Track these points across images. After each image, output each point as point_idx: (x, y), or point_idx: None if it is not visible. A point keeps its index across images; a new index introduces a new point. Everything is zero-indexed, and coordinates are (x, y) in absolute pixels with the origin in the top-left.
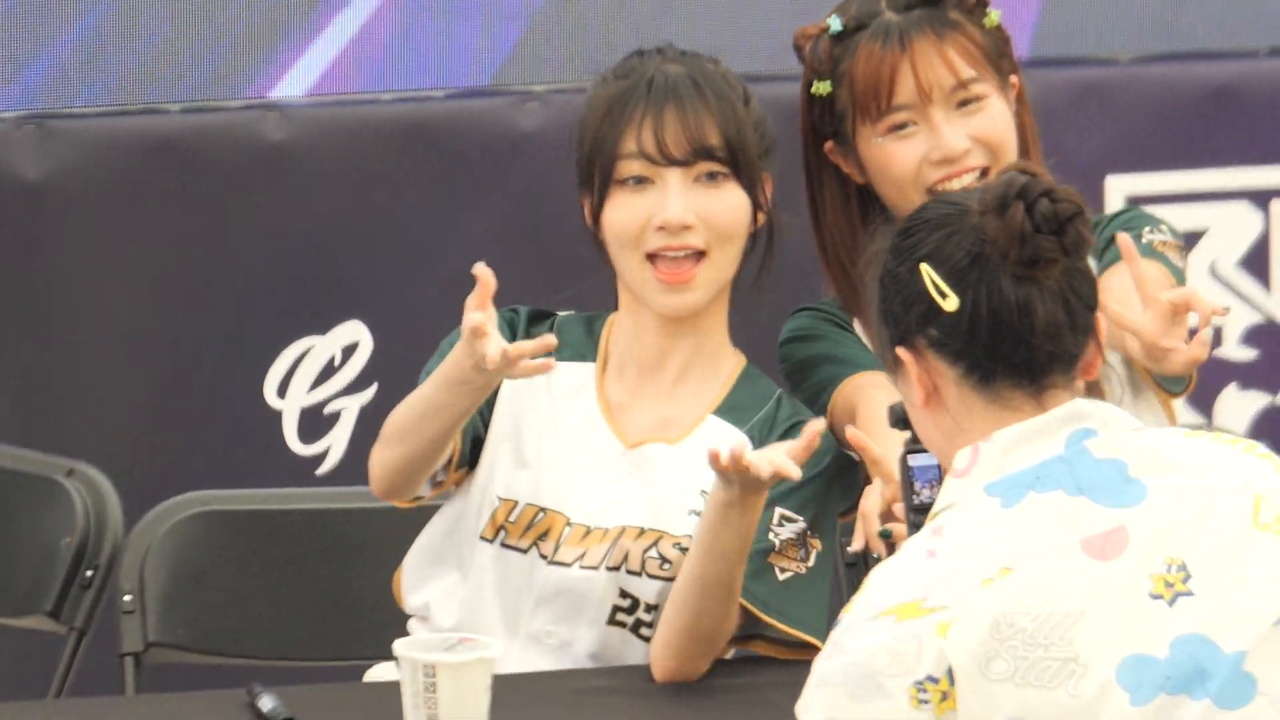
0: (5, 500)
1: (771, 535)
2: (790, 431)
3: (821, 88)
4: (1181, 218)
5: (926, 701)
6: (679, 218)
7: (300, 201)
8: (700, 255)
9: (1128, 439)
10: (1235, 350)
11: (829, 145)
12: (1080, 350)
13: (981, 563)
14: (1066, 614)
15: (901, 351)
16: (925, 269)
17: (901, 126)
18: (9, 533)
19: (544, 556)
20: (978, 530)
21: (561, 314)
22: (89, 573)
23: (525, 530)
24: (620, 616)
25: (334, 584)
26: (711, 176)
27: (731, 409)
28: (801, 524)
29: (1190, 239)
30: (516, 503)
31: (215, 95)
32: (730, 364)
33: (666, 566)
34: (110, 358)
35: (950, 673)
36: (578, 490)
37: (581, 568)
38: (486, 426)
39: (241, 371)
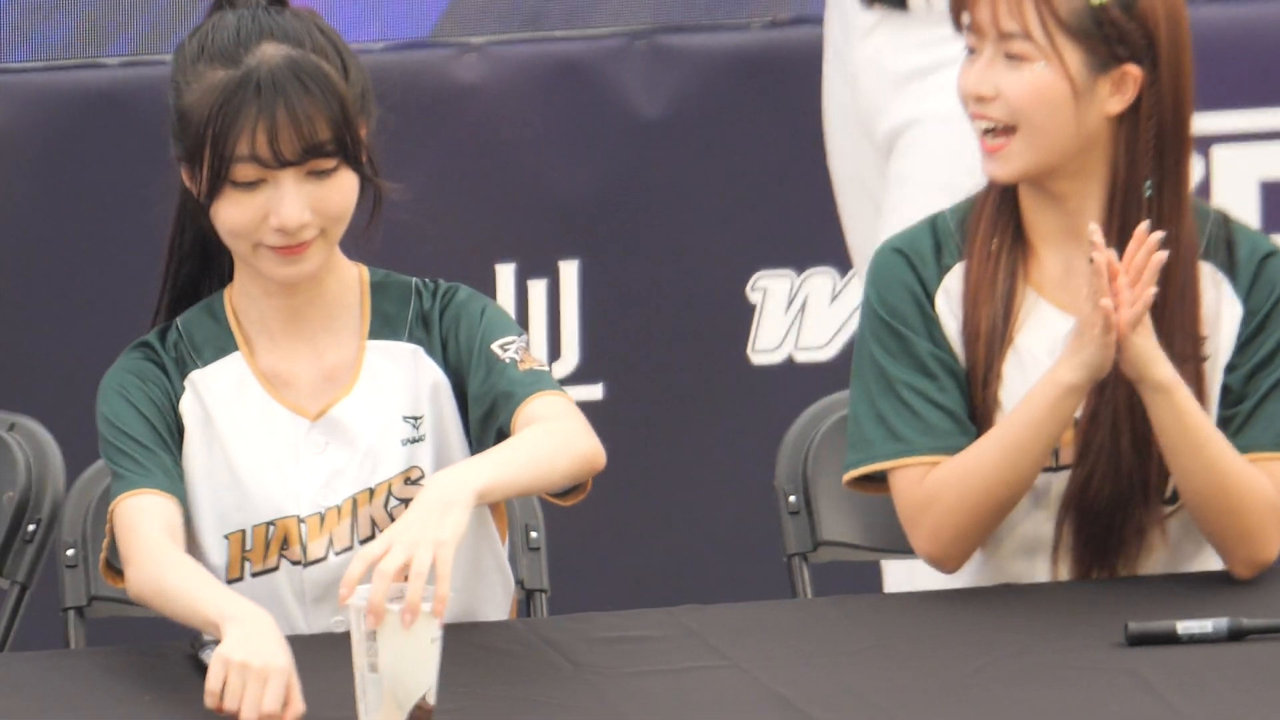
0: None
1: (508, 358)
2: (447, 313)
3: None
4: None
5: None
6: (298, 220)
7: None
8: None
9: None
10: None
11: None
12: None
13: None
14: None
15: None
16: None
17: (969, 44)
18: None
19: (297, 563)
20: None
21: (178, 318)
22: (31, 527)
23: (265, 550)
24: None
25: None
26: (321, 169)
27: (382, 325)
28: (518, 339)
29: None
30: (244, 530)
31: (154, 49)
32: (355, 280)
33: None
34: (51, 311)
35: None
36: (288, 484)
37: (336, 554)
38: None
39: None
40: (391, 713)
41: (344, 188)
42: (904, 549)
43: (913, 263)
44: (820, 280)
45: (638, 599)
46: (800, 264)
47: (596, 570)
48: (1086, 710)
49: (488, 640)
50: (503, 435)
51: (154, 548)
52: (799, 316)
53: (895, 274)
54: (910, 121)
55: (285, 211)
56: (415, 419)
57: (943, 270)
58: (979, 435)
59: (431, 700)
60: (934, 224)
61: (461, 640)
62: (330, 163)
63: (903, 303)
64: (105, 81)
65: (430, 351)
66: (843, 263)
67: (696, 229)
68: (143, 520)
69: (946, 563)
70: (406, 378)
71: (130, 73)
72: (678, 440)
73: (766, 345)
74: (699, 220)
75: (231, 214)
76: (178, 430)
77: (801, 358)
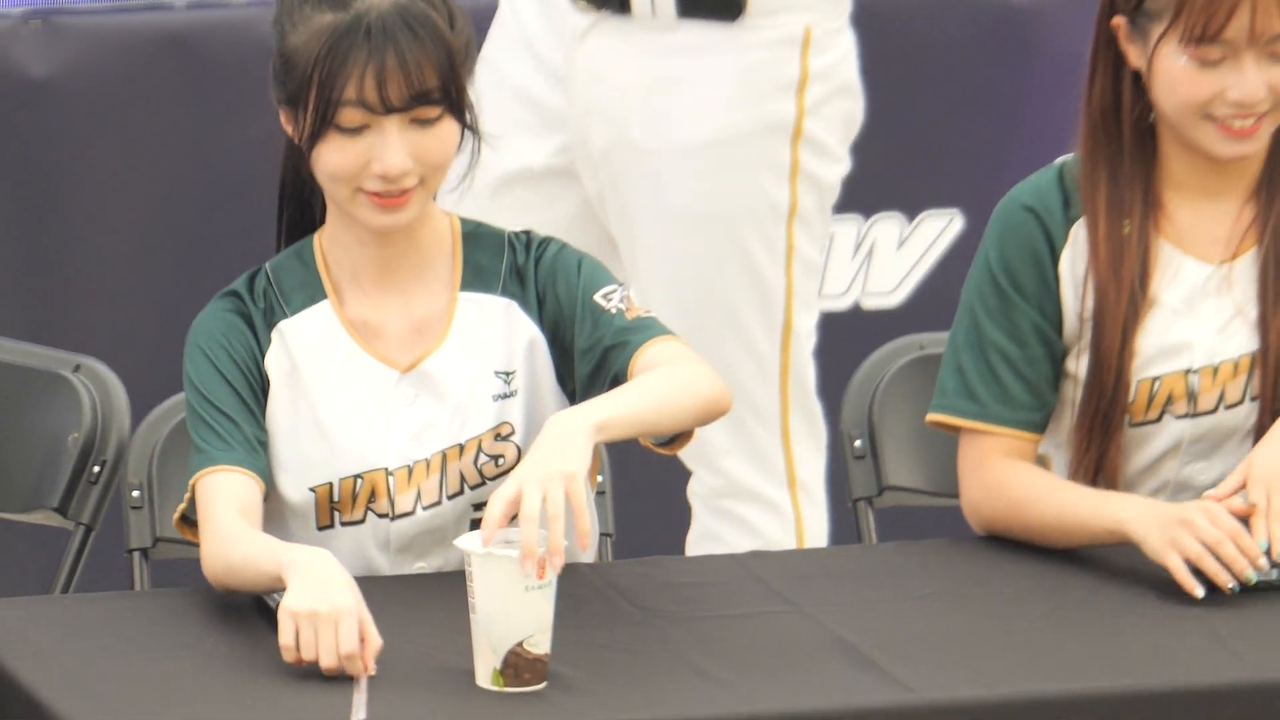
0: (12, 395)
1: (613, 308)
2: (542, 267)
3: None
4: None
5: None
6: (400, 167)
7: None
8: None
9: None
10: None
11: (1118, 21)
12: None
13: None
14: None
15: None
16: None
17: (1211, 56)
18: (15, 428)
19: (384, 515)
20: None
21: (268, 263)
22: (96, 468)
23: (353, 503)
24: None
25: None
26: (425, 117)
27: (474, 277)
28: (620, 289)
29: None
30: (330, 483)
31: None
32: (445, 227)
33: (502, 461)
34: (118, 253)
35: None
36: (377, 436)
37: (424, 508)
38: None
39: (248, 265)
40: (486, 656)
41: (446, 137)
42: None
43: (1042, 220)
44: (887, 225)
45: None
46: (867, 209)
47: (661, 515)
48: (1153, 657)
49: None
50: (617, 384)
51: (223, 528)
52: (866, 262)
53: (1022, 233)
54: (654, 147)
55: (389, 158)
56: (508, 374)
57: (1070, 222)
58: (1118, 383)
59: (536, 649)
60: (1062, 175)
61: None
62: (435, 111)
63: (1021, 264)
64: (172, 24)
65: (525, 306)
66: (910, 208)
67: None
68: (217, 500)
69: (977, 530)
70: (499, 332)
71: (197, 15)
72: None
73: (833, 291)
74: None
75: (333, 158)
76: (262, 387)
77: (869, 304)
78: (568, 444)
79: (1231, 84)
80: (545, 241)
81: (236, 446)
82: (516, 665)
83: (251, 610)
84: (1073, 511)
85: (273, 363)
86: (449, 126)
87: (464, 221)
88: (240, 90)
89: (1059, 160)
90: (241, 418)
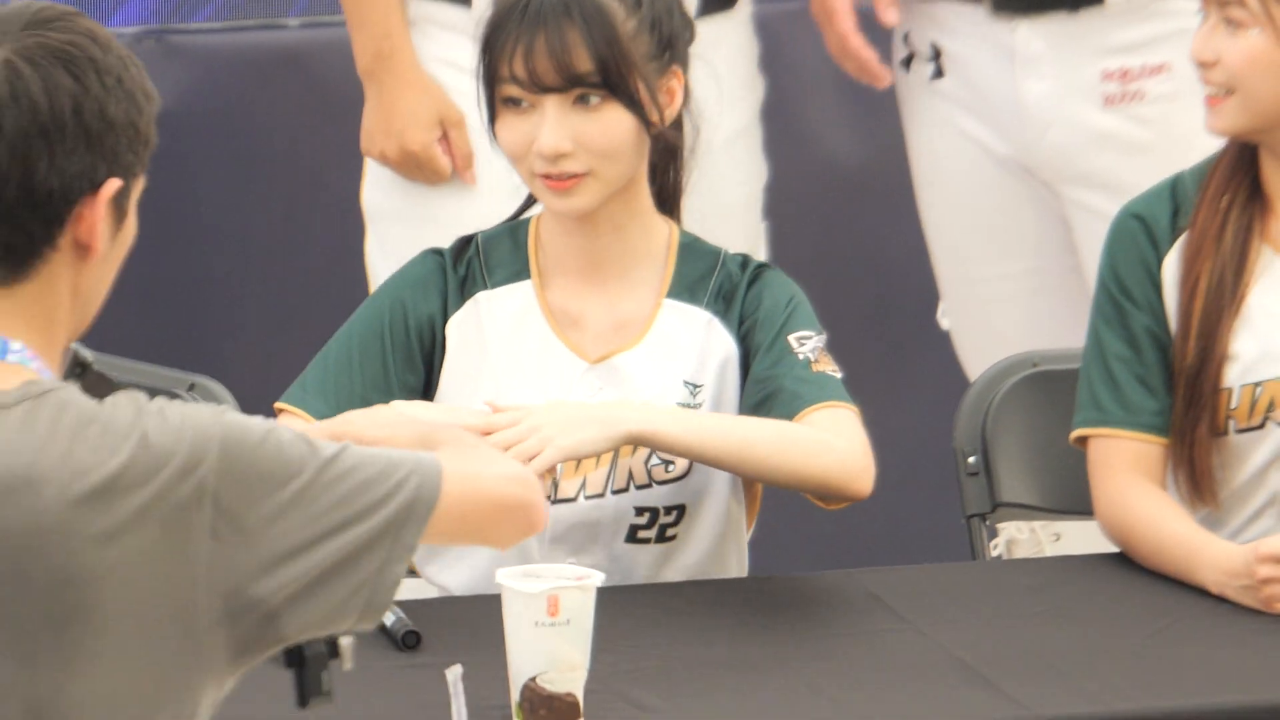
0: None
1: (802, 355)
2: (752, 290)
3: None
4: None
5: None
6: (554, 147)
7: None
8: (582, 175)
9: None
10: None
11: None
12: None
13: None
14: None
15: None
16: None
17: (1204, 10)
18: None
19: (547, 498)
20: None
21: (481, 233)
22: None
23: None
24: (642, 534)
25: None
26: (586, 99)
27: (684, 288)
28: (816, 337)
29: None
30: None
31: (333, 10)
32: (664, 237)
33: (671, 468)
34: (234, 272)
35: None
36: None
37: (587, 498)
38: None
39: (364, 284)
40: (511, 689)
41: (609, 124)
42: (1084, 511)
43: (1148, 225)
44: None
45: (818, 561)
46: None
47: (775, 532)
48: (1271, 672)
49: (673, 602)
50: None
51: None
52: None
53: (1129, 242)
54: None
55: (543, 136)
56: (696, 386)
57: (1177, 233)
58: (1206, 362)
59: (551, 687)
60: (1174, 186)
61: (649, 603)
62: (595, 95)
63: (1129, 272)
64: (287, 42)
65: (727, 324)
66: None
67: (877, 198)
68: None
69: (1110, 542)
70: (696, 343)
71: (310, 33)
72: (862, 401)
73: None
74: (878, 192)
75: (505, 137)
76: (431, 347)
77: None
78: (585, 428)
79: (1196, 39)
80: (763, 267)
81: (327, 399)
82: (532, 700)
83: None
84: (1170, 558)
85: (458, 325)
86: (615, 113)
87: (683, 233)
88: (355, 106)
89: (1176, 173)
90: (365, 376)
